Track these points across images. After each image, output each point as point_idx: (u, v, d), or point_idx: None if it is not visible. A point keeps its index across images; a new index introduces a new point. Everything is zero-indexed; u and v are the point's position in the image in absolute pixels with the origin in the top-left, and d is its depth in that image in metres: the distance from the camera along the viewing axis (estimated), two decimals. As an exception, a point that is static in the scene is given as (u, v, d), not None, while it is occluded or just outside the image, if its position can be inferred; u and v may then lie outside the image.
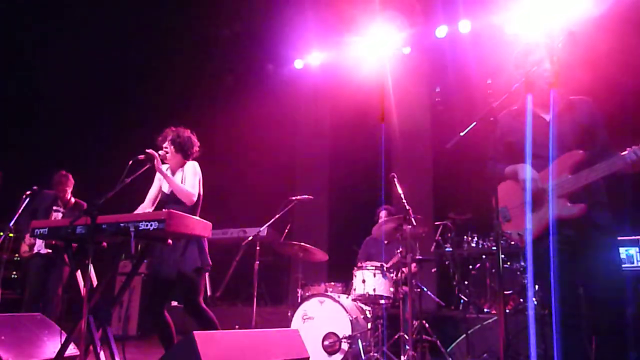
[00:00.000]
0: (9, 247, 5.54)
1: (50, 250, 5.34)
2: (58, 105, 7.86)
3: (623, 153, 2.52)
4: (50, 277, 5.36)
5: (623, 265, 4.62)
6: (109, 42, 7.63)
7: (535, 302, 4.67)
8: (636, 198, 5.04)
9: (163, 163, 3.68)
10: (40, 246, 5.38)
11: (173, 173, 3.81)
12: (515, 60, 2.95)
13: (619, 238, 2.90)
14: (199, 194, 3.76)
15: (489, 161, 2.93)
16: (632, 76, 5.44)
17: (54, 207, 5.53)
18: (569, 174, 2.65)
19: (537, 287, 4.75)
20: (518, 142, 2.83)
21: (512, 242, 5.34)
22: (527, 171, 2.75)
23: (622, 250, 4.77)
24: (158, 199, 3.82)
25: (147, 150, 3.51)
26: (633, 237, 4.93)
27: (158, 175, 3.85)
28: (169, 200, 3.69)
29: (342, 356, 4.53)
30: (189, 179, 3.71)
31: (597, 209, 2.65)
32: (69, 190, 5.62)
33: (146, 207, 3.79)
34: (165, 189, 3.78)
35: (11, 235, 5.48)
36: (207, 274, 3.83)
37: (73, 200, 5.63)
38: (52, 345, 3.17)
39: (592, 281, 2.61)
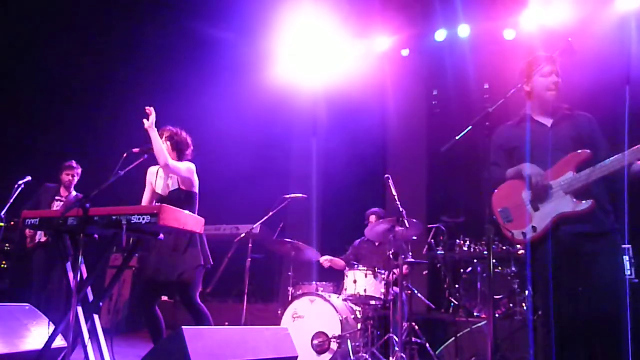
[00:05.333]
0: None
1: (48, 238, 5.31)
2: (52, 99, 7.83)
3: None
4: (54, 270, 5.31)
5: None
6: (103, 35, 7.61)
7: (526, 308, 4.69)
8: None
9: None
10: (40, 234, 5.36)
11: (168, 173, 3.81)
12: (523, 70, 2.99)
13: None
14: (195, 193, 3.77)
15: (492, 166, 2.99)
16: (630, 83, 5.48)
17: (56, 198, 5.52)
18: (574, 172, 2.70)
19: (527, 292, 4.78)
20: (520, 148, 2.90)
21: (504, 248, 5.37)
22: (528, 168, 2.80)
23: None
24: (154, 202, 3.82)
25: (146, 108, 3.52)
26: (624, 246, 4.95)
27: (149, 179, 3.87)
28: (164, 201, 3.69)
29: (331, 356, 4.53)
30: (179, 164, 3.72)
31: (603, 211, 2.70)
32: (76, 178, 5.62)
33: None
34: (160, 189, 3.79)
35: (1, 225, 5.44)
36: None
37: (74, 193, 5.62)
38: (40, 336, 3.15)
39: (594, 286, 2.63)
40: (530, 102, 2.94)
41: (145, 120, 3.55)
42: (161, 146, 3.59)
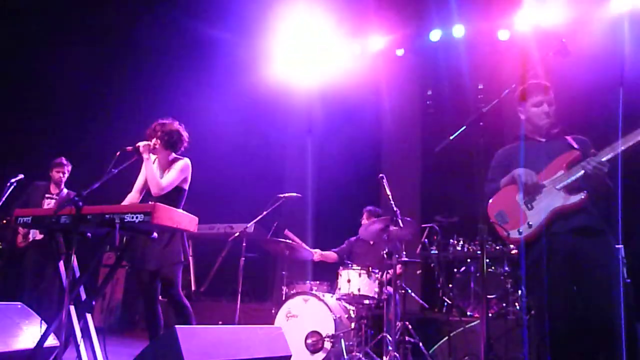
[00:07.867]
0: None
1: (43, 236, 5.27)
2: (45, 96, 7.78)
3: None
4: (47, 269, 5.28)
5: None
6: (97, 35, 7.59)
7: (519, 307, 4.71)
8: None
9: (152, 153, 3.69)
10: (34, 233, 5.32)
11: (162, 168, 3.79)
12: (517, 97, 3.07)
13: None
14: (183, 189, 3.76)
15: (488, 182, 3.08)
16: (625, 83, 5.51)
17: (47, 195, 5.48)
18: (565, 170, 2.79)
19: (520, 292, 4.80)
20: (516, 161, 2.99)
21: (497, 247, 5.39)
22: (519, 169, 2.88)
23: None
24: (143, 192, 3.81)
25: (138, 144, 3.51)
26: (616, 246, 4.98)
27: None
28: (152, 194, 3.68)
29: (324, 355, 4.53)
30: (171, 174, 3.70)
31: (595, 206, 2.77)
32: (66, 175, 5.58)
33: (134, 196, 3.80)
34: None
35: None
36: (192, 268, 3.84)
37: (65, 190, 5.58)
38: (32, 335, 3.13)
39: (590, 285, 2.64)
40: (524, 124, 3.06)
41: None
42: (153, 175, 3.63)
